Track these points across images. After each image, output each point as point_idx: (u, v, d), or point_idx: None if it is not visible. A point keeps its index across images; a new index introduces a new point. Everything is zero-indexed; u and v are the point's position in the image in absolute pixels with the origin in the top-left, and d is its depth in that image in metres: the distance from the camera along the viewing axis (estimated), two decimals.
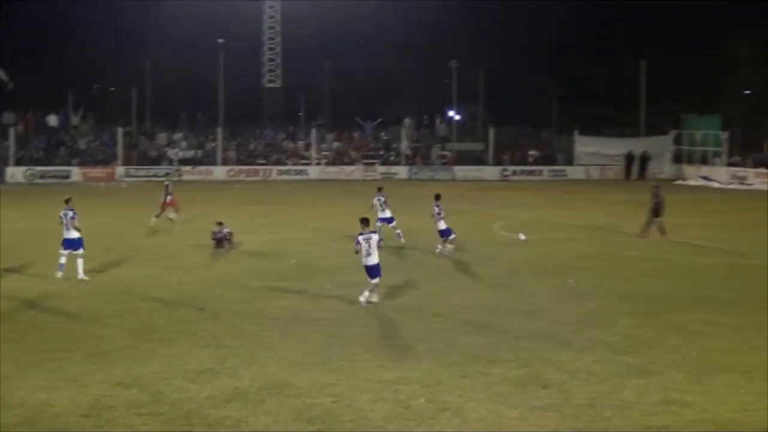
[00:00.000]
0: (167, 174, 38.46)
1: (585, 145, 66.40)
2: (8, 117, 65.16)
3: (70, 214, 21.69)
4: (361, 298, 18.72)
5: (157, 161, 62.94)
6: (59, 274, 21.23)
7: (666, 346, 15.52)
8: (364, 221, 19.21)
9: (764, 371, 13.92)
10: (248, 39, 78.69)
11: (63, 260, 21.40)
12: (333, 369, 14.11)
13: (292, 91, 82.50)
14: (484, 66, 74.68)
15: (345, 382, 13.40)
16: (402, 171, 63.31)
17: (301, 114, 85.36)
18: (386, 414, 12.04)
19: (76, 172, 58.88)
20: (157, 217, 32.21)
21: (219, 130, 64.72)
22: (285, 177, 61.62)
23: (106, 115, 70.22)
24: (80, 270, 21.37)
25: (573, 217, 35.56)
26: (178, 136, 66.59)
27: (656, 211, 29.92)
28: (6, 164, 58.51)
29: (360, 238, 18.77)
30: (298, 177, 61.79)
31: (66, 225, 21.57)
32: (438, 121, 75.68)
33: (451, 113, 78.57)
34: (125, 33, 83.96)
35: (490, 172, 64.28)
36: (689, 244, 28.85)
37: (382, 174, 62.33)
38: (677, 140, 66.83)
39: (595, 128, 71.20)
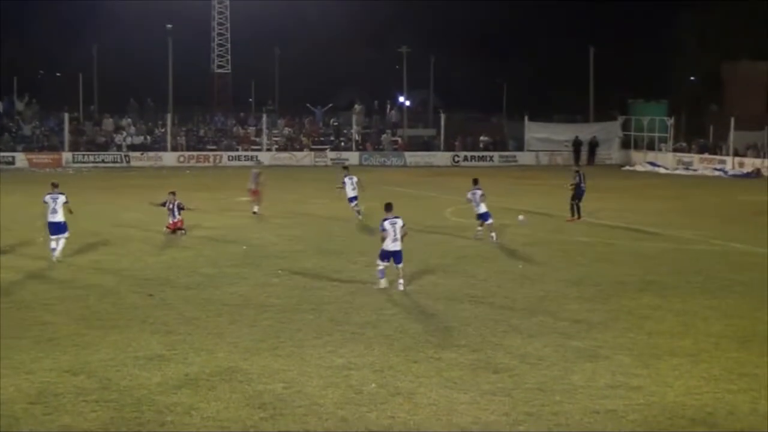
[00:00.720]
0: (258, 162, 37.50)
1: (535, 132, 66.88)
2: None
3: (62, 198, 22.08)
4: (400, 286, 18.67)
5: (105, 147, 62.12)
6: (55, 256, 21.83)
7: (614, 331, 15.71)
8: (388, 206, 19.07)
9: (708, 355, 14.17)
10: (197, 24, 78.09)
11: (53, 244, 21.89)
12: (284, 355, 14.07)
13: (241, 77, 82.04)
14: (434, 52, 74.80)
15: (296, 368, 13.37)
16: (353, 157, 63.20)
17: (251, 100, 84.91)
18: (337, 399, 12.04)
19: (20, 158, 57.91)
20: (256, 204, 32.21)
21: (168, 116, 64.02)
22: (236, 163, 61.19)
23: (53, 102, 69.08)
24: (59, 251, 21.85)
25: (522, 203, 35.80)
26: (126, 121, 65.75)
27: (575, 196, 30.84)
28: None
29: (386, 223, 18.69)
30: (248, 163, 61.40)
31: (53, 209, 21.83)
32: (389, 107, 75.66)
33: (401, 99, 78.61)
34: (72, 19, 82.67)
35: (441, 158, 64.46)
36: (636, 229, 29.25)
37: (332, 160, 62.22)
38: (625, 126, 67.62)
39: (544, 114, 71.84)
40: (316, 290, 18.97)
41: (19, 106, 66.15)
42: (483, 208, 25.89)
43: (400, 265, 18.77)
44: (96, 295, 18.24)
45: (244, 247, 24.80)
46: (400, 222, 18.85)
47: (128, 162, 59.37)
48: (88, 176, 51.65)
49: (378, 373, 13.21)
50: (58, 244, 21.96)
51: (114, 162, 59.65)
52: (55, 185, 22.69)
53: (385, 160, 63.53)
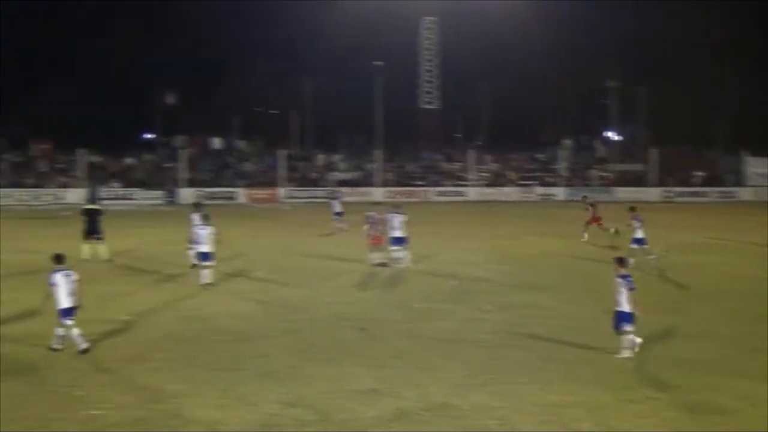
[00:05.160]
0: (584, 197, 39.86)
1: (756, 166, 63.54)
2: (179, 140, 68.28)
3: (210, 230, 23.88)
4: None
5: (316, 183, 64.32)
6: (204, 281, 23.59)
7: None
8: (621, 261, 16.56)
9: None
10: (405, 61, 79.53)
11: (205, 272, 23.71)
12: (496, 391, 13.95)
13: (449, 112, 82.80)
14: (643, 84, 72.84)
15: (508, 405, 13.22)
16: (560, 192, 62.28)
17: (458, 135, 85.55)
18: None
19: (241, 194, 60.84)
20: (586, 231, 33.92)
21: (377, 152, 65.52)
22: (442, 198, 61.72)
23: (269, 139, 72.38)
24: (206, 277, 23.69)
25: (740, 238, 33.98)
26: (337, 158, 67.88)
27: None
28: (178, 186, 61.03)
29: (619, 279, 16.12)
30: (455, 198, 61.81)
31: (202, 240, 23.83)
32: (596, 141, 74.25)
33: (609, 134, 76.95)
34: (287, 58, 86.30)
35: (652, 193, 62.44)
36: None
37: (540, 195, 61.58)
38: None
39: (765, 148, 68.26)
40: (527, 326, 18.72)
41: (240, 143, 69.70)
42: (639, 234, 27.39)
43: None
44: (310, 328, 18.72)
45: (453, 282, 24.85)
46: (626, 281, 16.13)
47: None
48: (301, 211, 53.57)
49: (592, 412, 12.87)
50: (206, 271, 23.76)
51: (326, 197, 61.55)
52: (204, 216, 24.74)
53: (595, 196, 62.14)
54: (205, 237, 24.00)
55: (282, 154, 64.70)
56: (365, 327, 18.73)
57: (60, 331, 16.29)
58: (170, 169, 63.67)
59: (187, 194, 59.71)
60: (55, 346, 16.28)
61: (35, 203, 56.74)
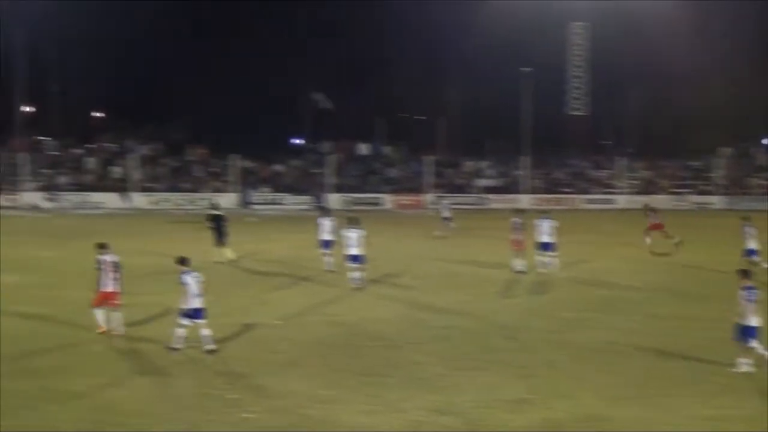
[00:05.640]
0: (645, 204, 39.91)
1: None
2: (326, 146, 69.48)
3: (361, 232, 24.36)
4: None
5: (463, 189, 64.22)
6: (354, 283, 24.13)
7: None
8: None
9: None
10: (553, 66, 78.43)
11: (356, 275, 24.27)
12: (650, 404, 13.55)
13: (598, 118, 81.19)
14: None
15: (663, 418, 12.84)
16: (717, 201, 60.06)
17: (606, 142, 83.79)
18: None
19: (387, 200, 61.33)
20: (648, 237, 33.59)
21: (524, 159, 64.92)
22: (591, 206, 60.54)
23: (415, 144, 72.74)
24: (359, 279, 24.34)
25: None
26: (484, 164, 67.63)
27: None
28: (325, 191, 62.11)
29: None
30: (604, 206, 60.54)
31: (353, 242, 24.19)
32: (756, 149, 71.31)
33: None
34: (434, 62, 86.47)
35: None
36: None
37: (695, 204, 59.58)
38: None
39: None
40: (680, 337, 18.09)
41: (386, 149, 70.32)
42: (752, 245, 27.16)
43: None
44: (459, 336, 18.63)
45: (602, 292, 24.30)
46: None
47: (486, 204, 60.82)
48: None
49: (751, 425, 12.33)
50: (356, 272, 24.34)
51: (472, 204, 61.38)
52: (352, 220, 24.95)
53: (756, 205, 59.63)
54: (355, 240, 24.35)
55: (428, 160, 64.89)
56: (514, 336, 18.51)
57: (180, 331, 16.77)
58: (317, 175, 64.88)
59: (333, 200, 60.64)
60: (175, 345, 16.75)
61: (190, 207, 58.76)
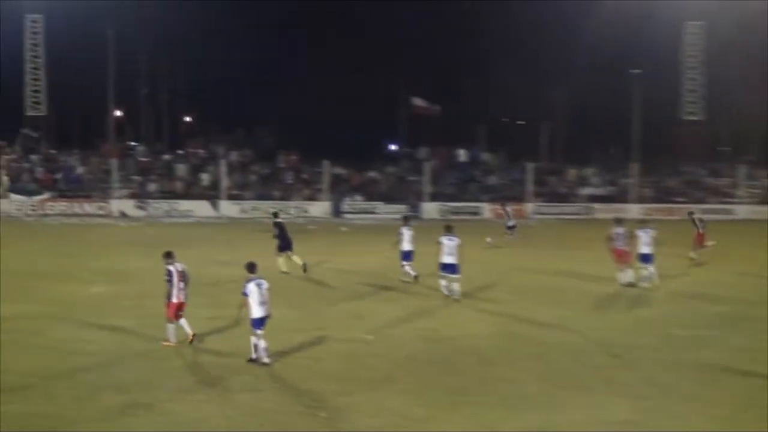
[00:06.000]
0: (690, 213, 39.63)
1: None
2: (423, 152, 69.64)
3: (457, 241, 24.54)
4: None
5: (567, 198, 63.61)
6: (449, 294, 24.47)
7: None
8: None
9: None
10: (666, 68, 76.94)
11: (444, 282, 24.70)
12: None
13: (714, 124, 79.37)
14: None
15: None
16: None
17: (725, 149, 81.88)
18: None
19: (485, 209, 61.14)
20: (695, 251, 33.65)
21: (633, 166, 63.97)
22: (706, 216, 58.97)
23: (516, 151, 72.31)
24: (455, 292, 24.58)
25: None
26: (589, 171, 66.86)
27: None
28: (421, 200, 62.23)
29: None
30: (721, 216, 59.19)
31: (449, 251, 24.34)
32: None
33: None
34: (536, 65, 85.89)
35: None
36: None
37: None
38: None
39: None
40: None
41: (485, 155, 70.08)
42: None
43: None
44: (560, 353, 18.53)
45: (719, 309, 23.80)
46: None
47: (591, 214, 60.11)
48: (549, 227, 53.18)
49: None
50: (452, 284, 24.60)
51: (576, 214, 60.77)
52: (448, 228, 24.98)
53: None
54: (452, 248, 24.49)
55: (530, 167, 64.47)
56: (618, 353, 18.31)
57: (255, 340, 17.08)
58: (413, 183, 65.07)
59: (430, 208, 60.70)
60: (254, 356, 17.08)
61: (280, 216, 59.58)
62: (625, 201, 62.34)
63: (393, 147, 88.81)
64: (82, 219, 56.20)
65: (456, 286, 24.62)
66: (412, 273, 27.85)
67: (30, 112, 73.33)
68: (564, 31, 79.21)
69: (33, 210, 58.38)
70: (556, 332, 20.62)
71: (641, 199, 62.74)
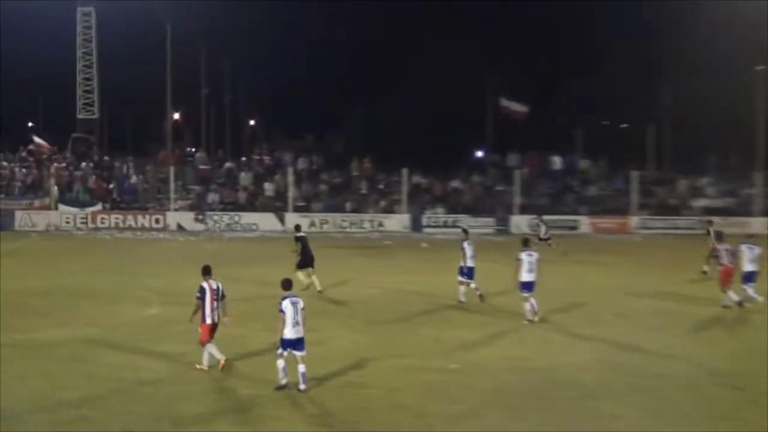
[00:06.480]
0: (708, 221, 39.53)
1: None
2: (513, 159, 69.19)
3: (536, 256, 24.97)
4: None
5: (677, 211, 62.68)
6: (529, 317, 24.66)
7: None
8: None
9: None
10: None
11: (531, 303, 24.81)
12: None
13: None
14: None
15: None
16: None
17: None
18: None
19: (584, 222, 60.55)
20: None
21: (757, 175, 62.78)
22: None
23: (618, 157, 71.39)
24: (532, 309, 24.83)
25: None
26: (704, 181, 65.79)
27: None
28: (510, 212, 61.87)
29: None
30: None
31: (529, 268, 24.58)
32: None
33: None
34: (639, 62, 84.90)
35: None
36: None
37: None
38: None
39: None
40: None
41: (583, 163, 69.37)
42: None
43: None
44: (670, 385, 18.26)
45: None
46: None
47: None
48: (657, 243, 52.43)
49: None
50: (532, 302, 24.83)
51: (688, 228, 59.74)
52: (526, 242, 25.59)
53: None
54: (533, 264, 24.78)
55: (635, 175, 63.64)
56: (741, 386, 17.97)
57: (282, 363, 17.28)
58: (502, 193, 64.75)
59: (519, 222, 60.35)
60: (282, 382, 17.26)
61: (352, 230, 59.78)
62: (748, 214, 61.07)
63: (479, 153, 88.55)
64: (135, 233, 57.12)
65: (533, 305, 24.89)
66: (477, 292, 28.06)
67: (81, 115, 74.52)
68: (673, 23, 78.19)
69: (84, 223, 59.49)
70: (664, 361, 20.33)
71: (767, 212, 61.38)
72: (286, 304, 17.21)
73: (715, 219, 44.30)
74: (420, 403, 16.85)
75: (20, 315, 25.41)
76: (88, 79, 74.17)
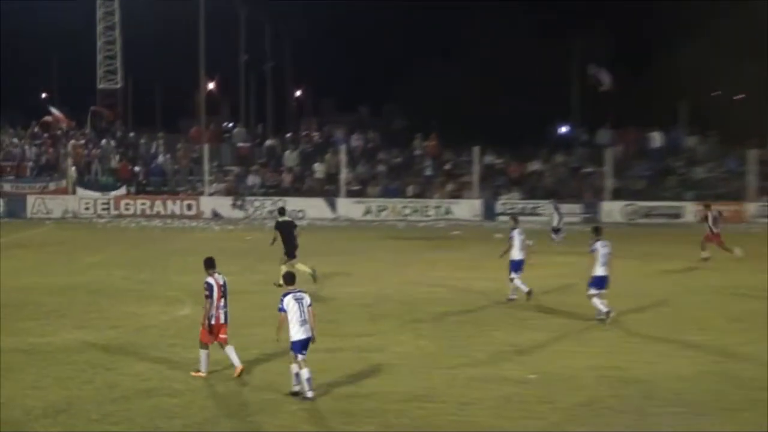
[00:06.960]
0: (706, 205, 39.31)
1: None
2: (604, 135, 68.58)
3: (610, 248, 25.48)
4: None
5: None
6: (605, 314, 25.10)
7: None
8: None
9: None
10: None
11: (599, 303, 25.28)
12: None
13: None
14: None
15: None
16: None
17: None
18: None
19: (689, 210, 59.89)
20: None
21: None
22: None
23: (731, 134, 70.58)
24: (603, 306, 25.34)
25: None
26: None
27: None
28: (601, 198, 61.45)
29: None
30: None
31: (604, 260, 25.11)
32: None
33: None
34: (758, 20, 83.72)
35: None
36: None
37: None
38: None
39: None
40: None
41: (690, 140, 68.59)
42: None
43: None
44: None
45: None
46: None
47: None
48: None
49: None
50: (602, 298, 25.36)
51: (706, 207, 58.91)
52: (596, 230, 26.18)
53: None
54: (607, 257, 25.20)
55: (752, 155, 62.87)
56: None
57: (296, 368, 17.35)
58: (590, 176, 64.35)
59: (612, 209, 59.93)
60: (295, 389, 17.48)
61: (415, 219, 59.70)
62: None
63: (563, 129, 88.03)
64: (164, 221, 57.59)
65: (605, 306, 25.22)
66: (524, 288, 28.41)
67: (102, 84, 74.83)
68: None
69: (106, 209, 59.96)
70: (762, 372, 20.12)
71: None
72: (289, 301, 17.39)
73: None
74: (494, 419, 16.85)
75: (33, 316, 25.80)
76: (110, 43, 74.58)
